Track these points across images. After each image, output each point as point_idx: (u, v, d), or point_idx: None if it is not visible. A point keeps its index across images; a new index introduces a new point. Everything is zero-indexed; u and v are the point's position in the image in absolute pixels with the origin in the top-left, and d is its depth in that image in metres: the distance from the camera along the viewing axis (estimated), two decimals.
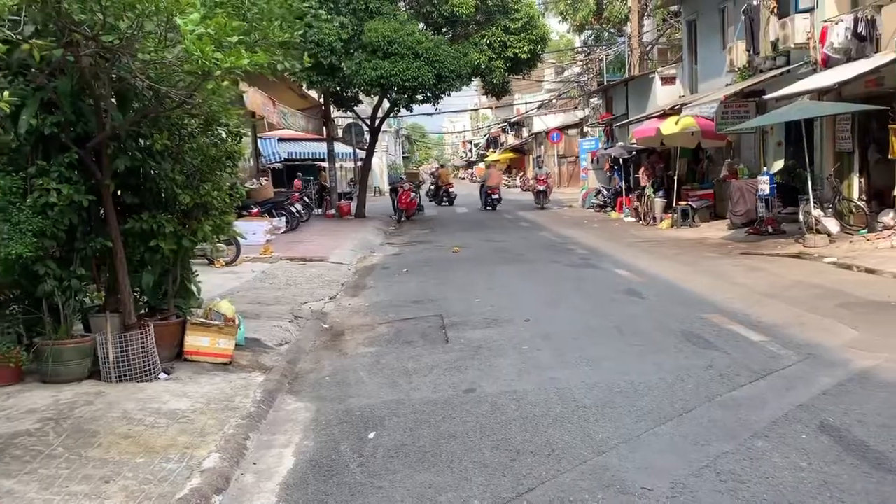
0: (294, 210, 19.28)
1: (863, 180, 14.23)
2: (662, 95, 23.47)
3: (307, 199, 22.85)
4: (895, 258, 10.71)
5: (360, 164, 27.07)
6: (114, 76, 5.64)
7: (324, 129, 24.64)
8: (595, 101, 33.27)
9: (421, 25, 22.18)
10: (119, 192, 6.28)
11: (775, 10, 15.96)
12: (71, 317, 5.93)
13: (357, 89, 22.70)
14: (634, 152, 23.11)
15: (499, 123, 64.60)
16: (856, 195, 14.12)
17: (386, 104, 24.27)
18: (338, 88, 22.09)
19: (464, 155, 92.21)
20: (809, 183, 13.30)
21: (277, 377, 6.17)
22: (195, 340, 6.41)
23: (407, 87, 20.88)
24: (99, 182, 5.85)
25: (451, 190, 32.54)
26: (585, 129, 36.66)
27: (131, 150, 6.12)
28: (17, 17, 4.57)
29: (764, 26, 16.25)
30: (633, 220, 21.06)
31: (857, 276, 10.13)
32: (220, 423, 4.95)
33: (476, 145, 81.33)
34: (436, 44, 20.89)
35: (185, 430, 4.80)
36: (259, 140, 22.96)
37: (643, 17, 28.33)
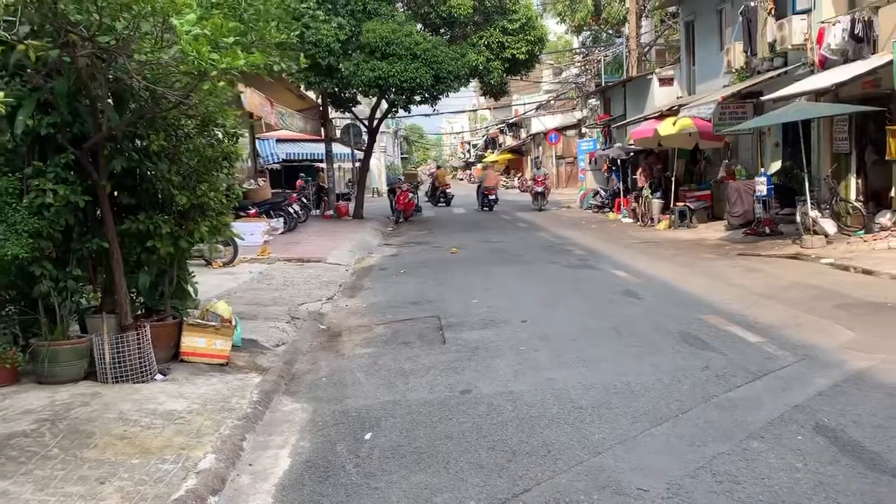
0: (292, 211, 19.27)
1: (860, 181, 14.24)
2: (660, 96, 23.48)
3: (305, 200, 22.85)
4: (892, 259, 10.73)
5: (358, 164, 27.07)
6: (110, 77, 5.64)
7: (322, 129, 24.64)
8: (593, 102, 33.30)
9: (419, 26, 22.18)
10: (115, 193, 6.28)
11: (773, 12, 16.00)
12: (67, 318, 5.93)
13: (355, 90, 22.70)
14: (632, 153, 23.13)
15: (497, 124, 64.61)
16: (853, 196, 14.14)
17: (384, 105, 24.27)
18: (336, 89, 22.09)
19: (462, 156, 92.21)
20: (807, 184, 13.32)
21: (274, 378, 6.17)
22: (192, 341, 6.40)
23: (405, 88, 20.89)
24: (95, 183, 5.84)
25: (448, 191, 32.56)
26: (583, 130, 36.69)
27: (128, 150, 6.12)
28: (13, 18, 4.57)
29: (761, 27, 16.29)
30: (631, 221, 21.08)
31: (854, 277, 10.14)
32: (217, 424, 4.94)
33: (474, 146, 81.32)
34: (434, 45, 20.90)
35: (181, 431, 4.80)
36: (257, 141, 22.96)
37: (641, 19, 28.36)
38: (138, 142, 6.22)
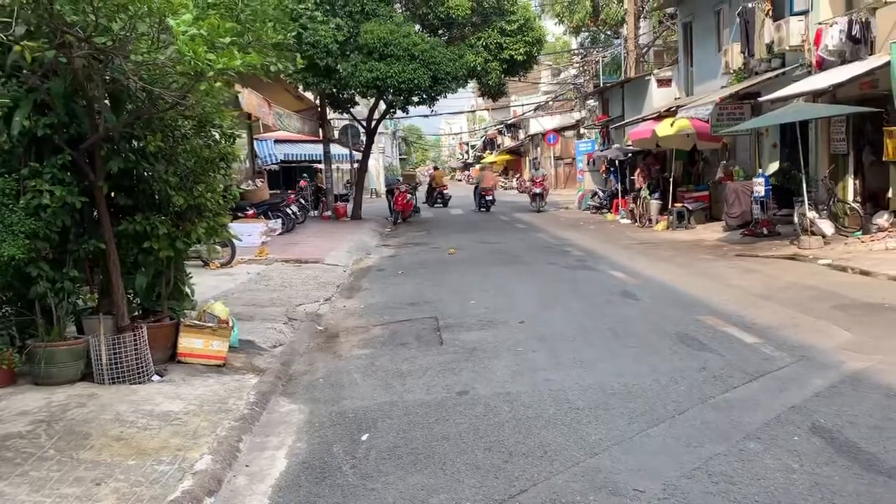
0: (290, 212, 19.27)
1: (857, 182, 14.26)
2: (658, 97, 23.50)
3: (303, 201, 22.86)
4: (889, 260, 10.74)
5: (356, 165, 27.07)
6: (107, 78, 5.63)
7: (320, 130, 24.64)
8: (591, 102, 33.30)
9: (417, 27, 22.18)
10: (112, 194, 6.27)
11: (770, 13, 16.02)
12: (64, 319, 5.92)
13: (353, 91, 22.72)
14: (630, 154, 23.14)
15: (495, 125, 64.63)
16: (850, 197, 14.15)
17: (382, 106, 24.28)
18: (334, 90, 22.09)
19: (461, 157, 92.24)
20: (804, 185, 13.34)
21: (271, 379, 6.16)
22: (188, 342, 6.40)
23: (403, 89, 20.89)
24: (92, 184, 5.84)
25: (445, 191, 32.59)
26: (582, 130, 36.71)
27: (124, 151, 6.11)
28: (10, 19, 4.56)
29: (759, 28, 16.30)
30: (629, 221, 21.08)
31: (851, 278, 10.15)
32: (213, 425, 4.94)
33: (473, 147, 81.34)
34: (432, 46, 20.90)
35: (177, 432, 4.80)
36: (255, 142, 22.95)
37: (639, 20, 28.39)
38: (135, 143, 6.21)
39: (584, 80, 36.71)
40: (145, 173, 6.30)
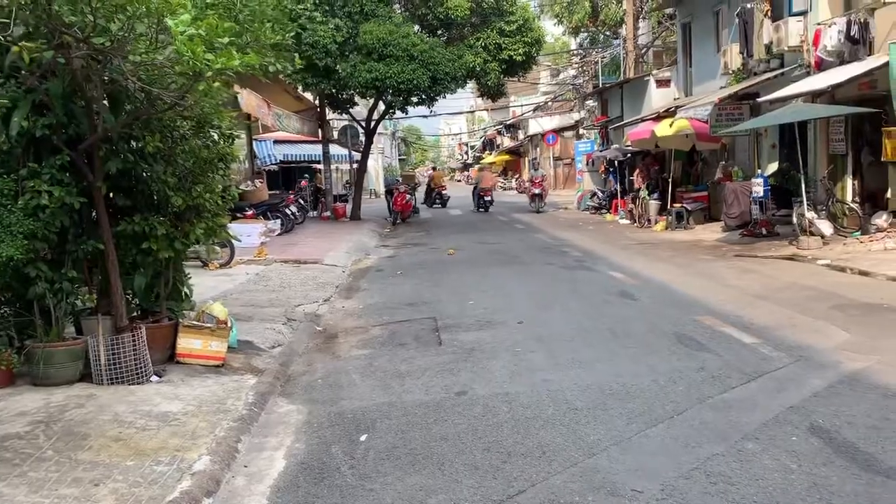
0: (289, 212, 19.27)
1: (856, 183, 14.27)
2: (657, 98, 23.51)
3: (302, 202, 22.85)
4: (888, 260, 10.75)
5: (355, 166, 27.07)
6: (105, 78, 5.63)
7: (319, 131, 24.64)
8: (590, 103, 33.32)
9: (416, 28, 22.18)
10: (111, 195, 6.26)
11: (769, 13, 16.02)
12: (62, 319, 5.92)
13: (352, 91, 22.72)
14: (629, 154, 23.16)
15: (494, 126, 64.64)
16: (849, 197, 14.16)
17: (381, 106, 24.29)
18: (333, 90, 22.10)
19: (460, 157, 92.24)
20: (803, 185, 13.35)
21: (270, 380, 6.16)
22: (187, 343, 6.40)
23: (402, 90, 20.90)
24: (91, 184, 5.84)
25: (443, 192, 32.62)
26: (581, 131, 36.71)
27: (123, 152, 6.11)
28: (8, 20, 4.56)
29: (758, 29, 16.30)
30: (628, 222, 21.09)
31: (850, 279, 10.16)
32: (212, 425, 4.94)
33: (472, 147, 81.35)
34: (431, 46, 20.91)
35: (176, 432, 4.79)
36: (254, 142, 22.96)
37: (638, 20, 28.41)
38: (134, 143, 6.20)
39: (583, 80, 36.72)
40: (144, 174, 6.29)
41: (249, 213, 16.73)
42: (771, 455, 4.26)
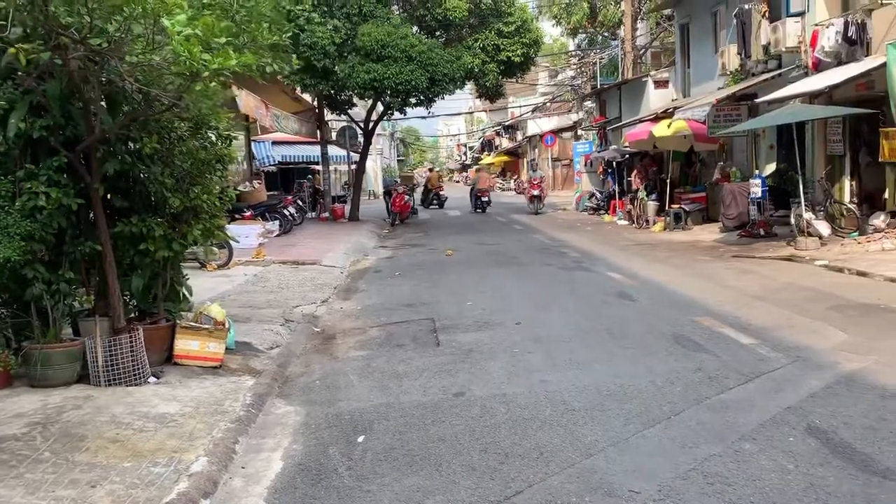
0: (287, 213, 19.26)
1: (854, 183, 14.29)
2: (655, 99, 23.53)
3: (300, 203, 22.85)
4: (886, 261, 10.75)
5: (354, 167, 27.08)
6: (103, 79, 5.63)
7: (317, 132, 24.64)
8: (589, 104, 33.34)
9: (414, 29, 22.19)
10: (108, 196, 6.26)
11: (767, 14, 16.05)
12: (60, 321, 5.91)
13: (350, 92, 22.73)
14: (627, 155, 23.18)
15: (493, 127, 64.67)
16: (847, 198, 14.17)
17: (380, 107, 24.29)
18: (331, 91, 22.11)
19: (458, 158, 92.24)
20: (801, 186, 13.36)
21: (267, 381, 6.16)
22: (185, 344, 6.39)
23: (400, 91, 20.91)
24: (88, 186, 5.83)
25: (441, 193, 32.64)
26: (579, 132, 36.73)
27: (120, 153, 6.11)
28: (4, 22, 4.56)
29: (755, 30, 16.32)
30: (627, 223, 21.11)
31: (847, 279, 10.17)
32: (209, 426, 4.94)
33: (471, 148, 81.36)
34: (429, 47, 20.91)
35: (173, 434, 4.79)
36: (252, 143, 22.95)
37: (636, 21, 28.42)
38: (131, 144, 6.20)
39: (581, 81, 36.76)
40: (141, 175, 6.29)
41: (248, 214, 16.73)
42: (768, 455, 4.27)
